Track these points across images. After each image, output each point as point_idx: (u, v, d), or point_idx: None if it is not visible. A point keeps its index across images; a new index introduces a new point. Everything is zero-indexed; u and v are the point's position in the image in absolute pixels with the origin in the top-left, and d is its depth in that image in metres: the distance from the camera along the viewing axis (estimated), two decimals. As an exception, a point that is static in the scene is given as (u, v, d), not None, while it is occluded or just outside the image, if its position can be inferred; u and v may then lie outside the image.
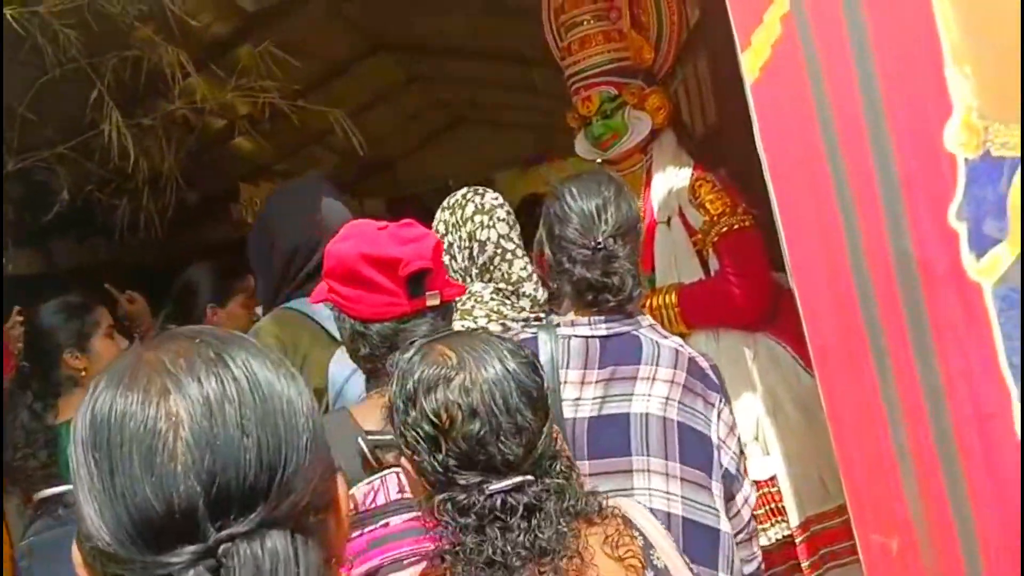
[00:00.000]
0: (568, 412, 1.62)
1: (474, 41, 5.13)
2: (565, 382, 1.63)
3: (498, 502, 1.10)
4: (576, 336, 1.67)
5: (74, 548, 0.70)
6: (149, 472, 0.64)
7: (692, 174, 2.49)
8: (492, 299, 2.10)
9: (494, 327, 2.04)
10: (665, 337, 1.76)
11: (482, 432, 1.12)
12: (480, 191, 2.23)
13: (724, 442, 1.71)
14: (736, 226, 2.39)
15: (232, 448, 0.65)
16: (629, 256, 1.75)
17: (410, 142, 7.67)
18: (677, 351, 1.71)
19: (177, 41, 2.87)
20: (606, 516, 1.18)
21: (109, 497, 0.65)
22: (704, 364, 1.75)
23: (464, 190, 2.24)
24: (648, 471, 1.61)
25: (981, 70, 1.57)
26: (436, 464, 1.13)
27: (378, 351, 1.44)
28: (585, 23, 2.57)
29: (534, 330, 1.70)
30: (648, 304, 2.42)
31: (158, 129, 3.07)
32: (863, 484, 1.65)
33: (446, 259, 2.14)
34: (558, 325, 1.69)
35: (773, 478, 2.27)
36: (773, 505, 2.26)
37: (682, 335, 2.40)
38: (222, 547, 0.64)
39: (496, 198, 2.21)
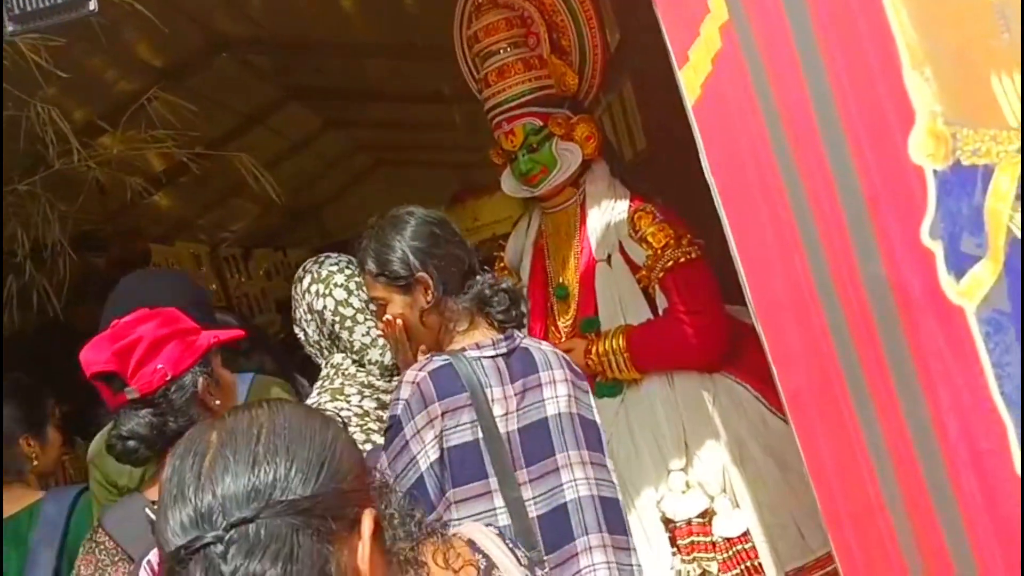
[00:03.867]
0: (501, 427, 1.73)
1: (389, 83, 5.19)
2: (492, 400, 1.72)
3: None
4: (485, 357, 1.76)
5: None
6: None
7: (630, 206, 2.32)
8: (359, 371, 2.11)
9: (369, 404, 2.12)
10: (539, 343, 1.91)
11: None
12: (320, 259, 2.21)
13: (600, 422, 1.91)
14: (683, 259, 2.22)
15: None
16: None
17: (332, 188, 7.76)
18: (555, 353, 1.89)
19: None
20: (447, 537, 1.19)
21: None
22: (569, 358, 1.94)
23: (307, 261, 2.23)
24: (570, 464, 1.77)
25: (942, 71, 1.44)
26: None
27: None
28: (502, 51, 2.37)
29: (444, 358, 1.75)
30: (595, 350, 2.24)
31: (39, 195, 2.80)
32: (852, 537, 1.57)
33: (299, 334, 2.23)
34: (463, 350, 1.77)
35: (746, 534, 2.10)
36: (749, 563, 2.08)
37: (635, 381, 2.24)
38: None
39: (336, 263, 2.18)
